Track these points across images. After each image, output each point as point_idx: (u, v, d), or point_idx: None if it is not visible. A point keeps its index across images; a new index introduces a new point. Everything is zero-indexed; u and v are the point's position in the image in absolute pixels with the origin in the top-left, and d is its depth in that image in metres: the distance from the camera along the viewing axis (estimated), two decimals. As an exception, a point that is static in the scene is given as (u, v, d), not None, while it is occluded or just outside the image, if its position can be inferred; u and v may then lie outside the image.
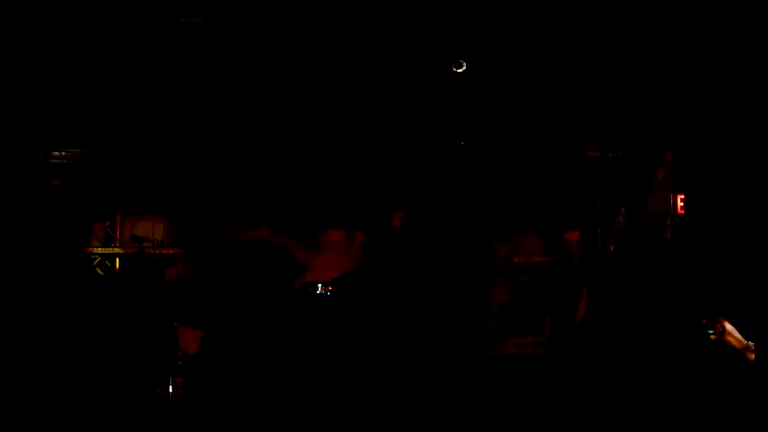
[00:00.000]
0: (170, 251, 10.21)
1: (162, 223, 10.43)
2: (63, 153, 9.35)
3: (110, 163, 9.69)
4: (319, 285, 8.44)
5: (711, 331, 4.96)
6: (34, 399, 6.98)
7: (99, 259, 10.07)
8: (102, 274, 9.94)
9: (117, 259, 10.04)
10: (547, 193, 10.38)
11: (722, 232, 8.38)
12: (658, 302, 6.98)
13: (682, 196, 9.41)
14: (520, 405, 7.58)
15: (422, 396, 7.58)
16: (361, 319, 7.90)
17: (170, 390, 7.50)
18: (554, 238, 10.79)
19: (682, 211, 9.36)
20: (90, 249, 10.07)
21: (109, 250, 10.09)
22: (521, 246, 10.75)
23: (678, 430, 6.14)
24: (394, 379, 7.59)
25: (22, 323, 7.50)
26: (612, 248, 8.49)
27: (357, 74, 8.81)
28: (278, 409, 7.69)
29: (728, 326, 4.95)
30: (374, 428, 7.12)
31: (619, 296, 7.18)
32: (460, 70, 8.81)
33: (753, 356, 4.90)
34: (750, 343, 4.96)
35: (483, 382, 8.24)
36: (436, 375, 8.07)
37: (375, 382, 7.58)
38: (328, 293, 8.25)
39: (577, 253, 10.32)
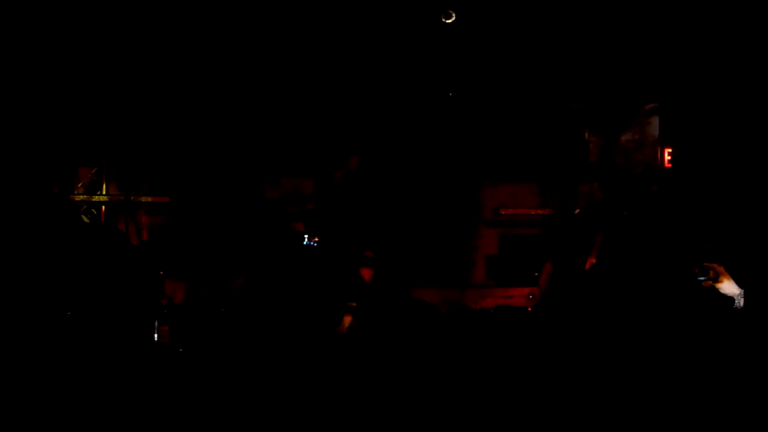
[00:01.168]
0: (156, 199, 10.14)
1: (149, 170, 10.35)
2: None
3: (95, 104, 9.58)
4: (305, 236, 8.37)
5: (703, 278, 4.75)
6: (19, 347, 6.97)
7: (85, 207, 10.02)
8: (87, 221, 9.88)
9: (103, 207, 9.98)
10: (535, 144, 10.36)
11: (709, 186, 8.39)
12: (647, 253, 6.97)
13: (670, 150, 9.40)
14: (506, 359, 7.60)
15: (403, 349, 7.57)
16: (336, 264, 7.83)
17: (156, 338, 7.51)
18: (544, 190, 10.78)
19: (669, 165, 9.36)
20: (74, 196, 10.00)
21: (95, 198, 10.02)
22: (509, 197, 10.74)
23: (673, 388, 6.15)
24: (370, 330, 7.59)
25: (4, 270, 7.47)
26: (601, 196, 8.44)
27: (345, 23, 8.77)
28: (265, 358, 7.70)
29: (721, 271, 4.69)
30: (355, 380, 7.13)
31: (619, 248, 7.15)
32: (449, 21, 8.78)
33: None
34: (743, 289, 4.77)
35: (467, 336, 8.26)
36: (414, 328, 8.07)
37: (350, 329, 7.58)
38: (314, 244, 8.20)
39: (568, 206, 10.31)
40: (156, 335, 7.50)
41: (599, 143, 10.22)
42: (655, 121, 9.73)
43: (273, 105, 9.96)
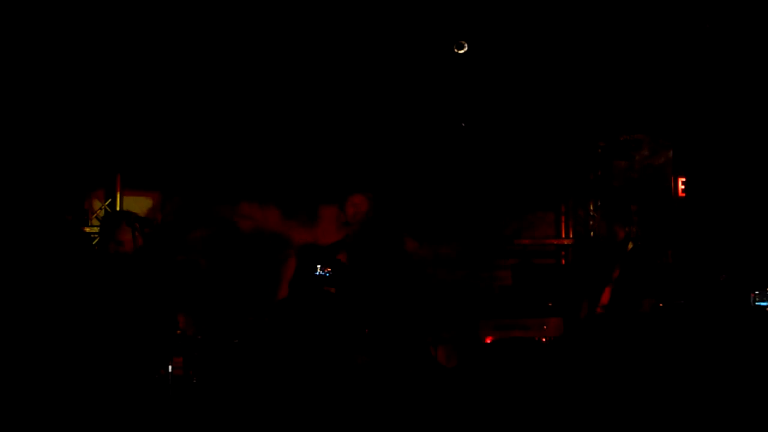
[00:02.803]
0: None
1: (157, 199, 10.36)
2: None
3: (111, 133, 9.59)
4: (318, 266, 8.34)
5: (765, 303, 4.43)
6: (34, 380, 6.96)
7: (99, 238, 10.01)
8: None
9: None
10: (549, 172, 10.36)
11: (723, 215, 8.38)
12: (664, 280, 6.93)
13: (683, 179, 9.38)
14: (522, 392, 7.56)
15: (415, 382, 7.54)
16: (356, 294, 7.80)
17: (170, 370, 7.48)
18: (559, 219, 10.78)
19: (683, 195, 9.34)
20: (87, 228, 10.02)
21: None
22: (524, 226, 10.72)
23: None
24: (387, 362, 7.55)
25: (21, 304, 7.48)
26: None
27: (358, 53, 8.81)
28: (278, 389, 7.68)
29: None
30: (368, 412, 7.10)
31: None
32: (461, 52, 8.80)
33: None
34: None
35: (480, 368, 8.22)
36: (426, 359, 8.04)
37: (369, 362, 7.55)
38: (327, 274, 8.17)
39: (585, 234, 10.27)
40: (170, 367, 7.48)
41: (613, 171, 10.20)
42: (669, 151, 9.71)
43: (282, 136, 9.98)
